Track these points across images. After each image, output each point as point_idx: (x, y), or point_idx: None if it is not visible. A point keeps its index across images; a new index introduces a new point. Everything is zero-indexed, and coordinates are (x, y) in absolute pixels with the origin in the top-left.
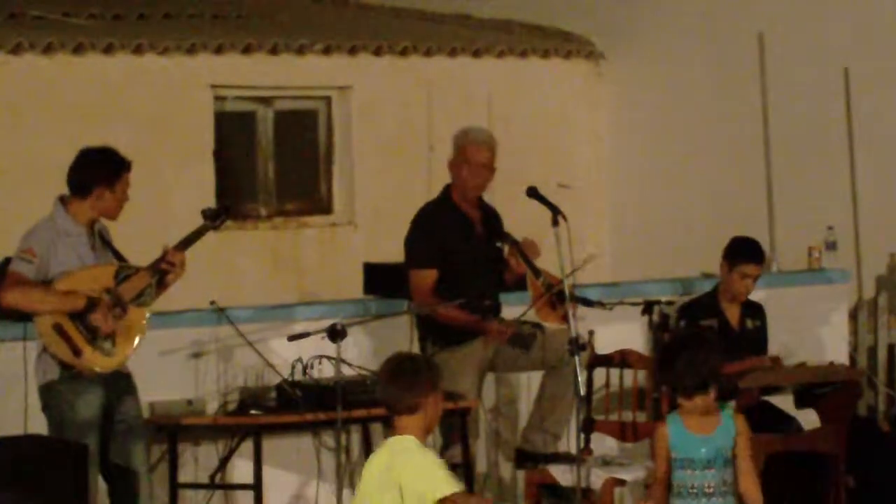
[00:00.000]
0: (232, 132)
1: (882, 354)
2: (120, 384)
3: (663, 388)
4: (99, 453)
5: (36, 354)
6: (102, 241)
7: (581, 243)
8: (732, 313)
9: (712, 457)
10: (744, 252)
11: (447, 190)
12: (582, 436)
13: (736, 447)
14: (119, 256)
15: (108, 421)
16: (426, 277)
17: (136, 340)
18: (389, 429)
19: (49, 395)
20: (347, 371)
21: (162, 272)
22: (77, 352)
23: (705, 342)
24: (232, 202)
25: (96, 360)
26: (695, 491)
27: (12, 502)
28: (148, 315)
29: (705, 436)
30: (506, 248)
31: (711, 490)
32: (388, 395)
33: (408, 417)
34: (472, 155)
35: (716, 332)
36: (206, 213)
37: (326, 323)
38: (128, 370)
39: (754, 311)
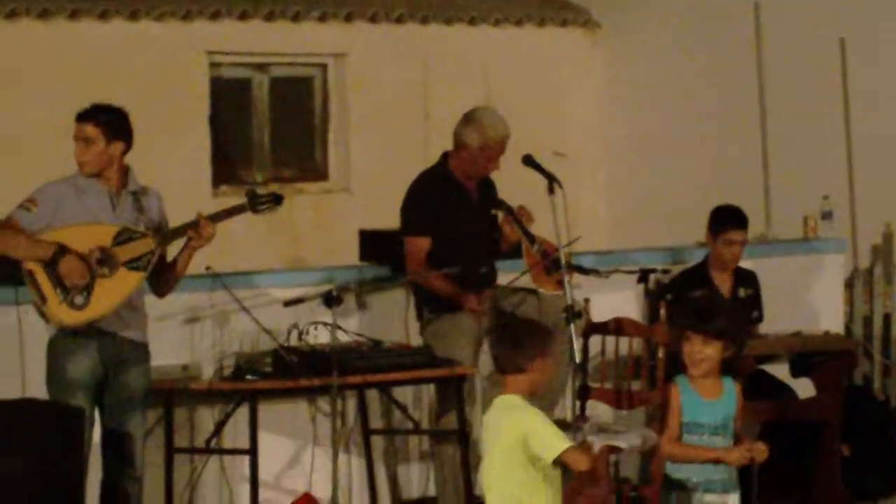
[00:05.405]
0: (228, 98)
1: (877, 324)
2: (125, 353)
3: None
4: (91, 416)
5: None
6: (137, 206)
7: (577, 211)
8: (723, 283)
9: (720, 423)
10: (725, 219)
11: (444, 158)
12: (577, 403)
13: (735, 415)
14: (156, 227)
15: (109, 387)
16: (419, 245)
17: (117, 302)
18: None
19: (48, 350)
20: (343, 337)
21: (188, 237)
22: (42, 298)
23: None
24: (227, 168)
25: (61, 312)
26: None
27: (7, 466)
28: (142, 280)
29: (713, 401)
30: (500, 216)
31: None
32: (497, 354)
33: (513, 377)
34: (496, 149)
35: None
36: (249, 195)
37: (322, 289)
38: (143, 340)
39: (746, 279)
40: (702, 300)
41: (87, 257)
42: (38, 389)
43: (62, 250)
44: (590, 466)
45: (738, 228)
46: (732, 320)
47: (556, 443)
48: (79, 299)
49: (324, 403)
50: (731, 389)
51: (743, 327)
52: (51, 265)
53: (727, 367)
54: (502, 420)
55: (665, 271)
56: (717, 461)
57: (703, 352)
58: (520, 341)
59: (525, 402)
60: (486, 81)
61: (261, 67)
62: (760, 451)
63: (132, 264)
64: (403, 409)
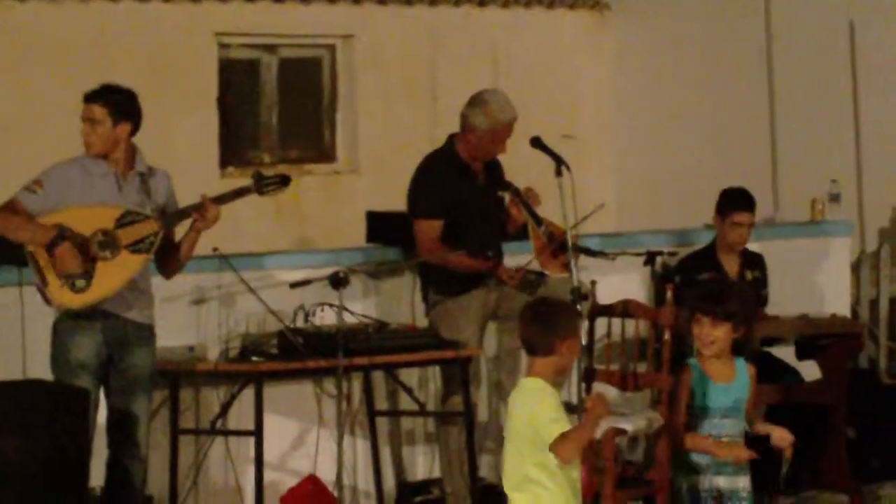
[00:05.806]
0: (236, 79)
1: (883, 307)
2: (129, 334)
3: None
4: (96, 397)
5: None
6: (144, 188)
7: (585, 194)
8: (731, 265)
9: (731, 406)
10: (733, 201)
11: (451, 140)
12: (583, 385)
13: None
14: (161, 209)
15: (114, 369)
16: (432, 227)
17: (118, 285)
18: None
19: (53, 331)
20: (349, 318)
21: (192, 219)
22: (44, 281)
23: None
24: (235, 149)
25: (62, 295)
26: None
27: (13, 446)
28: (145, 262)
29: (725, 384)
30: (507, 197)
31: (728, 440)
32: (525, 336)
33: (541, 359)
34: (504, 132)
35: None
36: (256, 177)
37: (329, 270)
38: (148, 322)
39: (753, 262)
40: (711, 282)
41: (88, 241)
42: (39, 370)
43: (61, 237)
44: (569, 459)
45: (745, 210)
46: (742, 302)
47: (552, 430)
48: (80, 282)
49: (329, 385)
50: (743, 372)
51: (752, 309)
52: (50, 249)
53: (737, 349)
54: (518, 402)
55: (672, 254)
56: (707, 453)
57: (712, 333)
58: (552, 322)
59: (547, 385)
60: (494, 63)
61: (269, 48)
62: (785, 440)
63: (135, 247)
64: (409, 390)
